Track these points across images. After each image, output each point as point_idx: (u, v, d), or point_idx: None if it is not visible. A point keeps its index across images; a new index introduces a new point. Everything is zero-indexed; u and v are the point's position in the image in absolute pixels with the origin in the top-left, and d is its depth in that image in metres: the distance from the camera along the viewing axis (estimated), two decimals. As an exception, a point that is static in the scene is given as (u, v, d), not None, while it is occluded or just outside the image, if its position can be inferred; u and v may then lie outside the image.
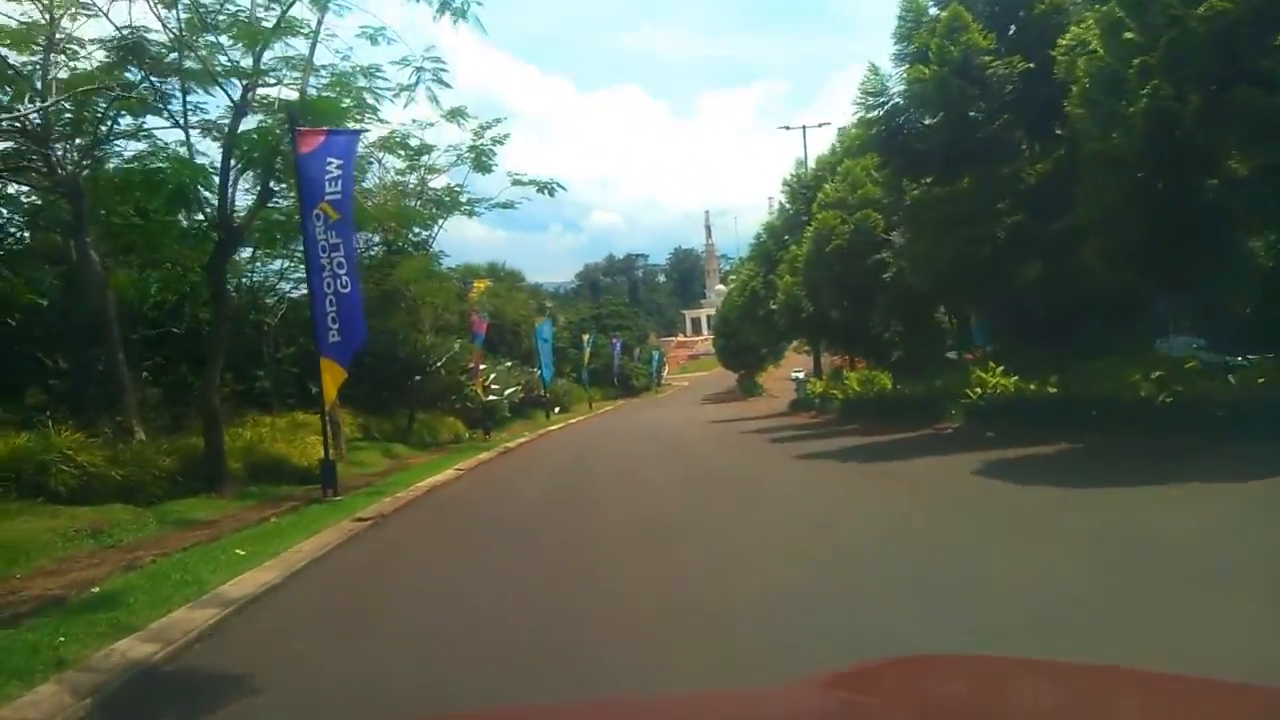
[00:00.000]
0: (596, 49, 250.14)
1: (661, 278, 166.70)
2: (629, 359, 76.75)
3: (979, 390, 15.13)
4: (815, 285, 19.85)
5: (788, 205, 23.33)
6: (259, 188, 12.91)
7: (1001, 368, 15.13)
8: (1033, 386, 14.42)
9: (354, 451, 18.67)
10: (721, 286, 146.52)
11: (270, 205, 13.74)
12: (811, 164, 24.14)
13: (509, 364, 37.93)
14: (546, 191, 23.69)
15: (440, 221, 24.33)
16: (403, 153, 21.93)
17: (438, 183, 23.39)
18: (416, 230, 24.78)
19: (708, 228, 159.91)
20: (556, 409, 46.95)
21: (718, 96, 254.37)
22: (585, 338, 58.86)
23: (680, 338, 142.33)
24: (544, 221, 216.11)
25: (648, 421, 33.58)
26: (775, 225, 28.95)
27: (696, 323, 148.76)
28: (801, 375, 73.96)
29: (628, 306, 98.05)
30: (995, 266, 14.46)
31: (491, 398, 30.56)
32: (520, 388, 37.64)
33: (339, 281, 11.63)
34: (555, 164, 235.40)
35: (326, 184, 11.62)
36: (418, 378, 25.35)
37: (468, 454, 20.89)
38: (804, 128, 28.33)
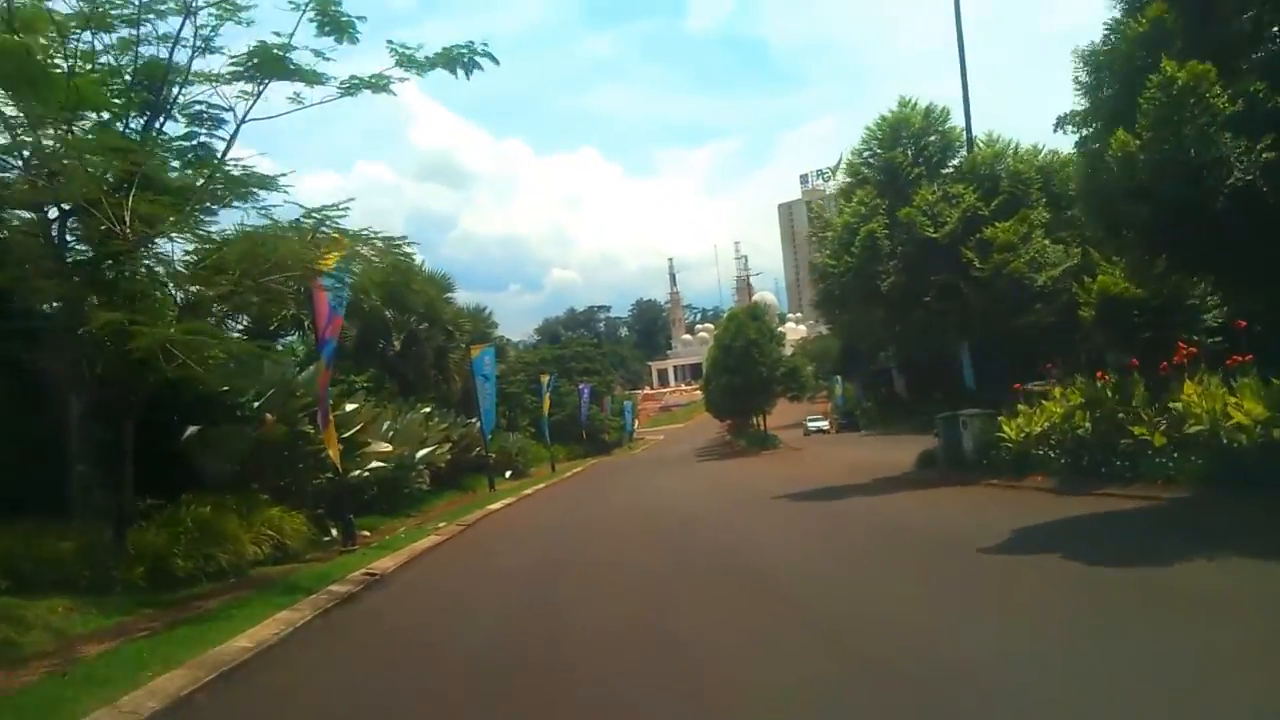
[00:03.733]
0: (552, 112, 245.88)
1: (624, 330, 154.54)
2: (598, 409, 63.60)
3: None
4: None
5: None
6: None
7: None
8: None
9: None
10: (688, 336, 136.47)
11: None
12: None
13: (425, 410, 24.59)
14: (463, 70, 11.00)
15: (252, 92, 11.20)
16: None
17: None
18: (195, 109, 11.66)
19: (672, 275, 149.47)
20: (507, 473, 33.84)
21: (671, 155, 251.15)
22: (545, 379, 45.44)
23: (647, 390, 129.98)
24: (503, 281, 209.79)
25: (652, 497, 20.23)
26: (926, 114, 16.07)
27: (663, 374, 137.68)
28: (825, 423, 59.60)
29: (595, 348, 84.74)
30: None
31: (376, 465, 17.08)
32: (447, 447, 24.44)
33: None
34: (513, 224, 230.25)
35: None
36: (192, 429, 12.01)
37: (216, 627, 7.52)
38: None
